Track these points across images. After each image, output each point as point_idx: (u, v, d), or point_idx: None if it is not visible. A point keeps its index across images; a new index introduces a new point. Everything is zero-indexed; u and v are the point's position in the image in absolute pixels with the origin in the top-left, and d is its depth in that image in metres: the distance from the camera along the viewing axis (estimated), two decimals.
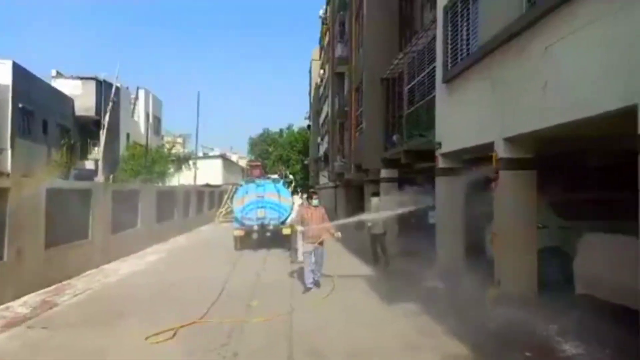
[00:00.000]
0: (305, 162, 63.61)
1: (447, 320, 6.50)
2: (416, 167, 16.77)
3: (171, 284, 9.31)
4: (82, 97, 31.07)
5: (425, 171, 20.20)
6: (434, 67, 11.43)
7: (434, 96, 11.31)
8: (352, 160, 20.60)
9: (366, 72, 17.77)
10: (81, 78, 31.45)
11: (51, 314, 7.25)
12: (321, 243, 8.87)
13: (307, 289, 8.59)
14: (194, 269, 11.06)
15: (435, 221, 14.11)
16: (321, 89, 47.39)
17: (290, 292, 8.67)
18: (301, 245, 9.45)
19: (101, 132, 24.66)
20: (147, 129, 27.23)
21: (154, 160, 25.77)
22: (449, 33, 9.88)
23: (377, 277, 9.86)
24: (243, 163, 66.89)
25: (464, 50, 9.24)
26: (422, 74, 12.54)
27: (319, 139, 48.34)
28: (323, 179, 40.18)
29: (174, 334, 5.99)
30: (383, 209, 11.69)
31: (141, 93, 40.30)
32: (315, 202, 9.43)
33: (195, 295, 8.20)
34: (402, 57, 14.64)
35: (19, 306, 7.56)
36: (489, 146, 7.92)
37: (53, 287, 8.88)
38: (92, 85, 31.60)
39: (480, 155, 10.44)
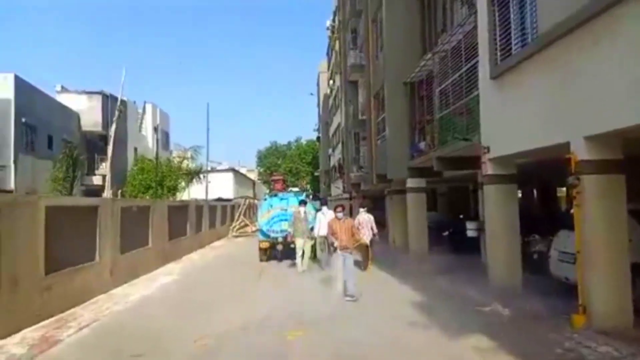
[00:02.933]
0: (316, 173, 62.65)
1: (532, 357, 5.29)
2: (447, 175, 15.67)
3: (187, 312, 8.14)
4: (88, 112, 30.31)
5: (459, 180, 19.21)
6: (475, 63, 10.31)
7: (477, 95, 10.18)
8: (373, 170, 19.44)
9: (388, 77, 16.72)
10: (87, 92, 30.74)
11: (52, 354, 6.10)
12: (350, 251, 9.03)
13: (343, 296, 8.69)
14: (212, 292, 9.82)
15: (474, 234, 13.00)
16: (330, 100, 46.56)
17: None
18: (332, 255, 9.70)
19: (108, 145, 23.64)
20: (156, 143, 26.28)
21: (164, 175, 24.69)
22: (497, 23, 8.78)
23: (423, 301, 8.59)
24: (253, 176, 66.13)
25: (518, 41, 8.13)
26: (459, 73, 11.43)
27: (329, 150, 47.33)
28: (336, 190, 39.04)
29: None
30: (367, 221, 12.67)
31: (148, 107, 39.64)
32: (339, 214, 9.41)
33: (219, 327, 7.02)
34: (430, 57, 13.56)
35: (15, 344, 6.40)
36: (561, 147, 6.76)
37: (55, 318, 7.72)
38: (98, 99, 30.86)
39: (541, 158, 9.35)
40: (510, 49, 8.39)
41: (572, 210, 8.12)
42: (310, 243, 12.46)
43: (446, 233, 15.82)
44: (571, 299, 7.69)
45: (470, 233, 12.87)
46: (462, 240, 14.86)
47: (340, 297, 8.71)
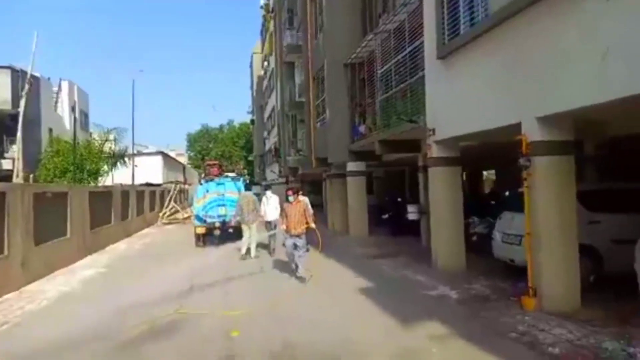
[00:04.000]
0: (250, 158, 61.35)
1: (495, 346, 5.14)
2: (386, 159, 15.60)
3: (110, 310, 7.22)
4: None
5: (397, 163, 19.29)
6: (420, 44, 10.14)
7: (421, 76, 10.02)
8: (312, 154, 19.03)
9: (328, 58, 16.28)
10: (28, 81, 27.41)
11: None
12: (299, 235, 8.90)
13: (299, 278, 8.82)
14: (140, 288, 8.77)
15: (415, 217, 13.01)
16: (265, 82, 45.44)
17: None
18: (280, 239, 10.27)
19: (19, 124, 21.22)
20: (74, 123, 23.86)
21: (83, 157, 22.52)
22: (444, 2, 8.56)
23: (370, 287, 8.33)
24: (183, 160, 63.44)
25: (467, 20, 7.96)
26: (402, 54, 11.22)
27: (264, 134, 46.38)
28: (271, 175, 38.37)
29: None
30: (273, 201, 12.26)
31: (64, 85, 36.35)
32: (290, 198, 9.18)
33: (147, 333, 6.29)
34: (372, 38, 13.28)
35: None
36: (511, 128, 6.68)
37: None
38: (7, 74, 27.59)
39: (487, 140, 9.37)
40: (459, 28, 8.22)
41: (519, 191, 8.21)
42: (256, 228, 12.04)
43: (385, 216, 15.83)
44: (516, 281, 7.79)
45: (412, 216, 12.88)
46: (401, 223, 14.94)
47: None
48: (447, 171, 9.15)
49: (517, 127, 6.54)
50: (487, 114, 7.26)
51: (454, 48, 8.09)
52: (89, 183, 22.32)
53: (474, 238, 10.59)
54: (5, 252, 8.56)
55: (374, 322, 6.23)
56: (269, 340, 5.61)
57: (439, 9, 8.62)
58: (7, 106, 27.52)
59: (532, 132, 6.30)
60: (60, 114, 34.97)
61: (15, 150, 28.70)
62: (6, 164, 28.48)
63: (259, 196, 13.34)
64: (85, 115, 40.72)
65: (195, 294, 8.18)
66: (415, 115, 10.05)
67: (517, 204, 8.44)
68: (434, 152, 9.24)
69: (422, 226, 12.96)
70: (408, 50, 10.79)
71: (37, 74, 31.41)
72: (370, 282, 8.64)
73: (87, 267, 11.38)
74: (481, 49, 7.35)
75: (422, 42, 9.96)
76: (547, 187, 6.24)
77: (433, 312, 6.50)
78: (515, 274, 8.01)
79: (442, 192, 9.19)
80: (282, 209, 9.48)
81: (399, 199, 16.87)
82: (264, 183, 38.26)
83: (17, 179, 26.25)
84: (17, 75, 28.14)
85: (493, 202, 12.86)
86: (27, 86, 21.97)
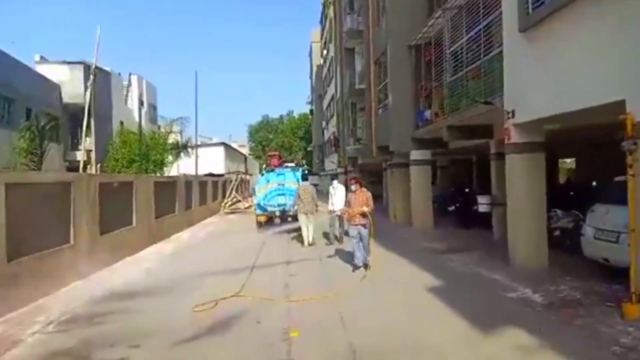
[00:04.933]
0: (309, 148, 61.39)
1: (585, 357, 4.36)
2: (453, 146, 14.60)
3: (177, 301, 7.12)
4: (69, 84, 28.60)
5: (464, 151, 18.18)
6: (496, 17, 9.16)
7: (498, 53, 9.06)
8: (373, 142, 18.33)
9: (391, 40, 15.46)
10: (68, 63, 28.95)
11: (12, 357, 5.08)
12: (364, 225, 8.74)
13: (357, 267, 8.74)
14: (204, 280, 8.71)
15: (486, 209, 12.05)
16: (324, 71, 44.97)
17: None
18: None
19: (90, 116, 22.15)
20: (139, 114, 24.61)
21: (149, 148, 23.20)
22: None
23: (440, 286, 7.62)
24: (245, 151, 64.66)
25: None
26: (475, 29, 10.24)
27: (323, 124, 46.03)
28: (330, 165, 37.97)
29: None
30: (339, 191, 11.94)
31: (134, 79, 37.87)
32: (353, 187, 9.07)
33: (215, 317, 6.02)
34: (440, 15, 12.32)
35: None
36: (612, 107, 5.70)
37: (21, 310, 6.68)
38: (80, 70, 29.06)
39: (575, 123, 8.32)
40: None
41: (616, 181, 7.18)
42: (313, 218, 12.28)
43: (452, 208, 14.87)
44: (611, 283, 6.83)
45: (483, 208, 11.94)
46: (470, 215, 13.97)
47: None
48: (528, 158, 8.18)
49: (619, 105, 5.56)
50: (582, 91, 6.28)
51: (541, 18, 7.10)
52: (155, 173, 22.98)
53: (557, 233, 9.52)
54: (72, 241, 8.70)
55: (447, 327, 5.57)
56: (329, 345, 5.12)
57: None
58: (81, 100, 28.99)
59: (639, 111, 5.31)
60: (130, 107, 36.51)
61: (89, 142, 30.47)
62: (81, 155, 30.17)
63: (316, 186, 14.00)
64: (153, 108, 42.36)
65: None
66: (490, 97, 9.11)
67: (612, 195, 7.42)
68: (514, 136, 8.30)
69: (494, 219, 11.97)
70: (482, 24, 9.81)
71: (108, 69, 32.95)
72: (439, 280, 7.92)
73: (152, 256, 11.51)
74: (574, 16, 6.35)
75: (498, 15, 8.98)
76: None
77: (516, 318, 5.71)
78: (610, 276, 7.03)
79: (522, 182, 8.25)
80: (347, 199, 9.46)
81: (467, 190, 15.85)
82: (327, 173, 38.10)
83: (92, 171, 27.82)
84: (89, 70, 29.59)
85: (572, 193, 11.62)
86: (91, 77, 22.74)
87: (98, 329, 5.99)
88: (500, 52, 8.87)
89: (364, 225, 8.73)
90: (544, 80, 7.29)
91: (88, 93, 22.13)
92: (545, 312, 6.00)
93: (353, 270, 8.74)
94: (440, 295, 6.87)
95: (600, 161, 12.54)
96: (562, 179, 20.39)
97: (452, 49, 11.79)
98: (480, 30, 9.91)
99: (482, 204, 11.94)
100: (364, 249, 8.78)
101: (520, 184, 8.27)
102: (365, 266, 8.76)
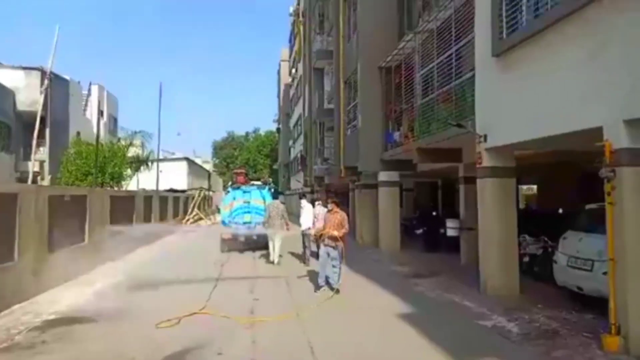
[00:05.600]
0: (275, 166, 60.90)
1: None
2: (421, 169, 14.60)
3: (128, 322, 6.51)
4: (25, 90, 27.26)
5: (430, 175, 18.26)
6: (468, 42, 9.20)
7: (470, 77, 9.07)
8: (341, 162, 18.15)
9: (362, 61, 15.44)
10: (24, 68, 27.63)
11: None
12: (334, 247, 8.62)
13: (319, 287, 8.62)
14: (160, 302, 8.11)
15: (454, 233, 11.97)
16: (292, 90, 44.94)
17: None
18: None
19: (39, 125, 20.96)
20: (97, 123, 23.44)
21: (106, 160, 22.10)
22: None
23: (411, 313, 7.34)
24: (208, 167, 63.40)
25: (531, 10, 7.01)
26: (446, 54, 10.27)
27: (290, 142, 45.77)
28: (296, 184, 37.56)
29: None
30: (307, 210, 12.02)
31: (94, 89, 36.61)
32: (329, 206, 9.08)
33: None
34: (411, 38, 12.38)
35: None
36: (588, 133, 5.68)
37: None
38: (36, 76, 27.78)
39: (547, 149, 8.34)
40: (516, 21, 7.28)
41: (588, 208, 7.18)
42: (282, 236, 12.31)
43: (420, 231, 14.76)
44: (584, 312, 6.75)
45: (451, 232, 11.85)
46: (436, 239, 13.90)
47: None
48: (499, 183, 8.12)
49: (596, 131, 5.53)
50: (558, 117, 6.25)
51: (515, 42, 7.11)
52: (111, 187, 21.90)
53: (525, 259, 9.48)
54: (16, 258, 7.93)
55: (425, 359, 5.26)
56: None
57: (496, 0, 7.67)
58: (37, 108, 27.64)
59: (617, 138, 5.27)
60: (89, 118, 35.15)
61: (43, 152, 28.96)
62: (35, 167, 28.60)
63: (284, 204, 13.73)
64: (114, 119, 41.01)
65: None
66: (462, 120, 9.07)
67: (584, 223, 7.43)
68: (485, 161, 8.24)
69: (462, 243, 11.89)
70: (454, 49, 9.84)
71: (66, 77, 31.69)
72: (410, 307, 7.65)
73: (104, 277, 10.69)
74: (550, 40, 6.36)
75: (470, 40, 9.03)
76: (636, 202, 5.19)
77: (494, 349, 5.51)
78: (583, 304, 6.97)
79: (493, 207, 8.16)
80: (315, 217, 9.57)
81: (434, 213, 15.83)
82: (293, 192, 37.70)
83: (46, 183, 26.31)
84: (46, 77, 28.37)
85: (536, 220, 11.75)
86: (46, 81, 21.67)
87: None
88: (472, 77, 8.88)
89: (334, 247, 8.56)
90: (517, 104, 7.28)
91: (41, 101, 20.98)
92: (522, 342, 5.79)
93: (315, 290, 8.64)
94: (414, 324, 6.56)
95: (559, 188, 12.75)
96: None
97: (422, 71, 11.81)
98: (452, 54, 9.93)
99: (451, 227, 11.86)
100: (333, 271, 8.59)
101: (491, 209, 8.18)
102: (335, 290, 8.48)
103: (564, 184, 12.50)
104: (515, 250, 8.23)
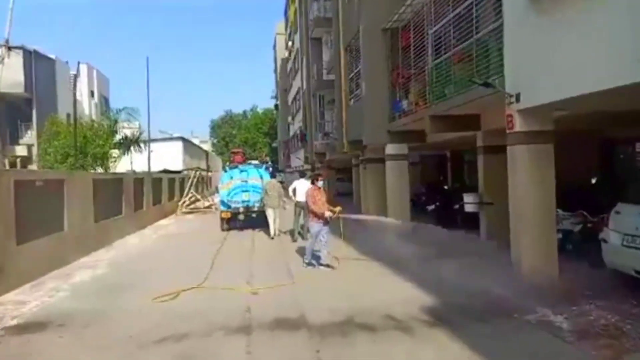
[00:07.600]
0: (274, 144, 59.59)
1: None
2: (432, 140, 13.36)
3: (106, 329, 5.45)
4: (6, 70, 25.77)
5: (450, 144, 16.99)
6: None
7: (495, 29, 7.79)
8: (344, 136, 16.92)
9: (364, 23, 14.04)
10: (4, 46, 26.07)
11: None
12: (327, 222, 8.92)
13: (308, 264, 9.00)
14: (144, 301, 7.02)
15: (473, 209, 10.85)
16: (289, 64, 43.26)
17: None
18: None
19: (28, 108, 19.63)
20: (74, 101, 21.79)
21: (87, 140, 20.60)
22: None
23: (435, 305, 6.26)
24: (207, 147, 62.08)
25: None
26: (465, 3, 8.93)
27: (289, 119, 44.39)
28: (296, 161, 36.39)
29: None
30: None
31: (83, 68, 34.99)
32: (320, 183, 9.28)
33: None
34: None
35: None
36: None
37: None
38: (18, 55, 26.34)
39: (595, 108, 7.12)
40: None
41: None
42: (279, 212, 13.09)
43: (432, 207, 13.64)
44: None
45: (469, 208, 10.70)
46: (451, 215, 12.81)
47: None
48: (535, 150, 6.91)
49: None
50: (610, 68, 5.02)
51: None
52: (95, 169, 20.59)
53: (559, 236, 8.35)
54: None
55: None
56: None
57: None
58: (20, 89, 26.34)
59: None
60: (79, 99, 33.73)
61: (31, 136, 27.73)
62: (21, 150, 27.45)
63: (282, 183, 14.76)
64: (105, 99, 39.58)
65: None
66: (486, 80, 7.82)
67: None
68: (518, 125, 7.02)
69: (482, 219, 10.79)
70: None
71: (52, 56, 30.24)
72: (433, 296, 6.56)
73: (88, 269, 9.63)
74: None
75: None
76: None
77: (549, 355, 4.41)
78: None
79: (528, 178, 6.98)
80: (312, 195, 9.19)
81: (446, 187, 14.72)
82: (293, 169, 36.69)
83: (34, 167, 25.11)
84: (30, 56, 26.96)
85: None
86: (2, 51, 20.06)
87: None
88: (498, 27, 7.60)
89: (327, 223, 8.89)
90: (558, 56, 6.02)
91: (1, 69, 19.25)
92: (579, 343, 4.70)
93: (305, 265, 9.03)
94: (441, 320, 5.48)
95: (579, 156, 11.42)
96: None
97: (435, 28, 10.47)
98: (471, 3, 8.60)
99: (469, 203, 10.70)
100: (323, 246, 8.89)
101: (526, 180, 7.01)
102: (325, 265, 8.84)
103: (582, 152, 11.27)
104: (554, 228, 7.10)
